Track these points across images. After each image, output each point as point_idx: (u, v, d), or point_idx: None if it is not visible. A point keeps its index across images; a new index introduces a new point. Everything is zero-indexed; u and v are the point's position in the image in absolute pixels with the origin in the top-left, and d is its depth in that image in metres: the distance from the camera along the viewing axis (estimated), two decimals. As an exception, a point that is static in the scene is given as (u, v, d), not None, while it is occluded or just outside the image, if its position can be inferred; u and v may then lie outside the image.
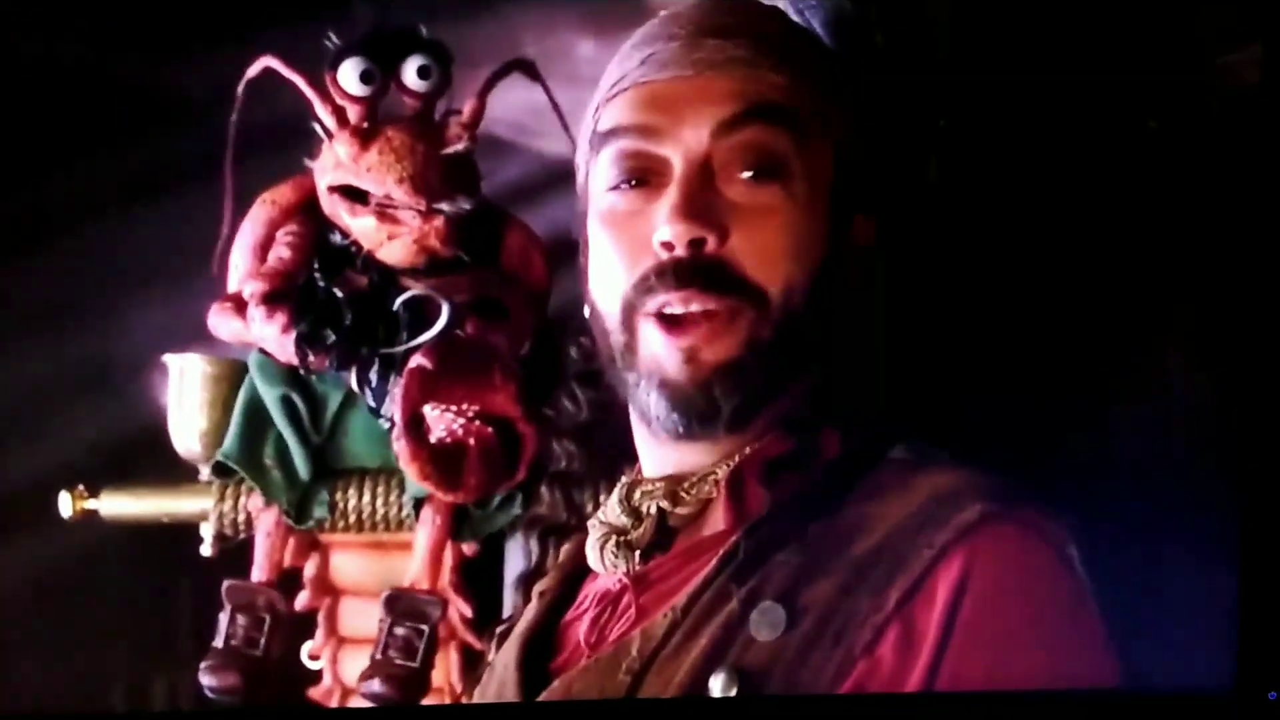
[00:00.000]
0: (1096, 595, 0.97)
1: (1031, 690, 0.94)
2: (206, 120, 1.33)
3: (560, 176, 1.30)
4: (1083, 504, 1.02)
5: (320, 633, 1.40)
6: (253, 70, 1.30)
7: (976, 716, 0.95)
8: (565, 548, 1.18)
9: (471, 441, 1.28)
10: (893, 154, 1.14)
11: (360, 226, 1.31)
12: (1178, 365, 1.23)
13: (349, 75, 1.28)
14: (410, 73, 1.30)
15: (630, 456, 1.15)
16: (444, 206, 1.29)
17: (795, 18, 1.16)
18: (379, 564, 1.38)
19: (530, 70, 1.34)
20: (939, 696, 0.93)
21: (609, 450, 1.18)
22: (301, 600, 1.38)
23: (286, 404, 1.35)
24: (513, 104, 1.35)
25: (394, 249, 1.31)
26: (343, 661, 1.39)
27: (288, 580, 1.38)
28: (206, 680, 1.32)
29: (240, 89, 1.30)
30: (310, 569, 1.39)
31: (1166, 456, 1.21)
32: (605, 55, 1.13)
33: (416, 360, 1.25)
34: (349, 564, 1.39)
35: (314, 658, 1.39)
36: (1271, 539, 1.13)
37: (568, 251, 1.19)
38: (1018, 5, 1.25)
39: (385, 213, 1.30)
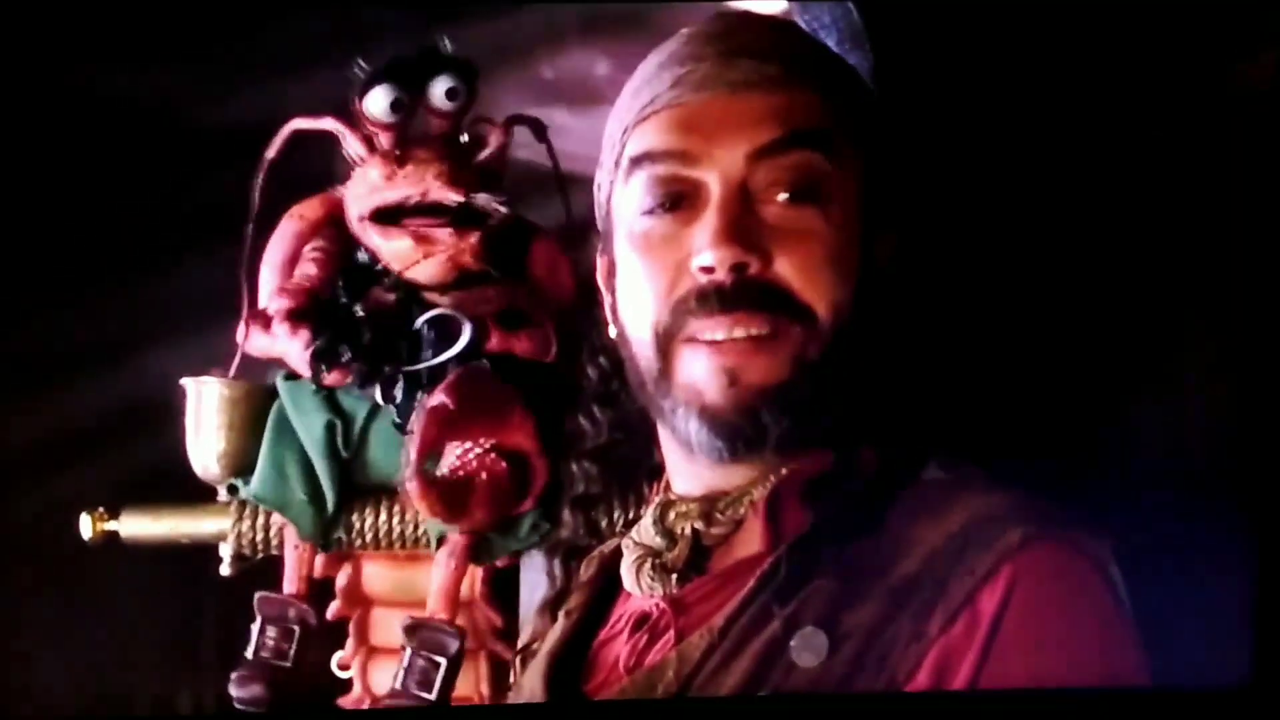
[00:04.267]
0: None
1: (1049, 687, 0.94)
2: (231, 153, 1.33)
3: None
4: (1101, 501, 1.03)
5: (351, 642, 1.41)
6: (280, 138, 1.31)
7: (1000, 713, 0.95)
8: (587, 564, 1.18)
9: (483, 475, 1.28)
10: (911, 171, 1.14)
11: (394, 249, 1.31)
12: (1195, 368, 1.24)
13: (378, 103, 1.28)
14: (438, 94, 1.30)
15: (651, 473, 1.15)
16: (479, 200, 1.30)
17: (809, 37, 1.16)
18: (410, 574, 1.38)
19: (538, 130, 1.34)
20: (958, 695, 0.93)
21: (630, 470, 1.19)
22: (333, 609, 1.39)
23: (329, 430, 1.35)
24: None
25: (427, 267, 1.31)
26: (372, 671, 1.40)
27: (320, 591, 1.39)
28: (234, 691, 1.33)
29: (275, 149, 1.31)
30: (342, 579, 1.40)
31: (1184, 456, 1.23)
32: (620, 75, 1.12)
33: (438, 398, 1.25)
34: (380, 574, 1.40)
35: (344, 667, 1.40)
36: (1288, 536, 1.15)
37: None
38: (1031, 13, 1.25)
39: (420, 233, 1.30)
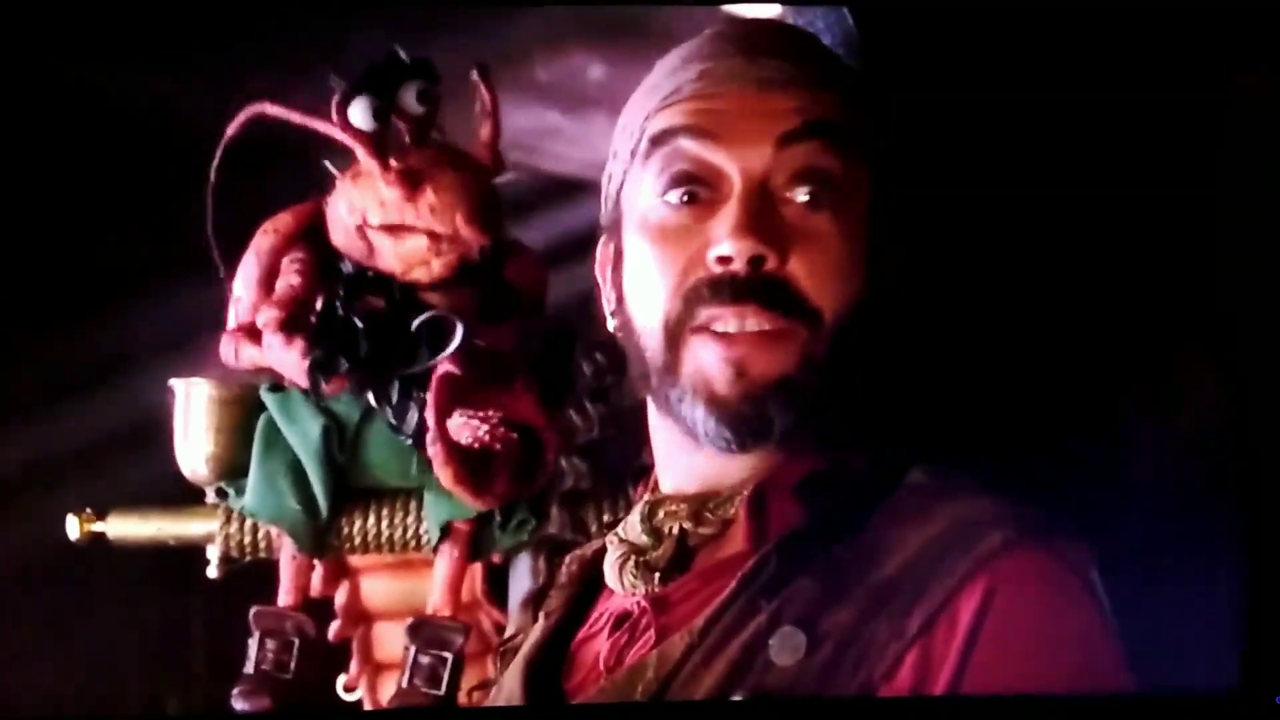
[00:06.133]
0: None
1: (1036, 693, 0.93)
2: (226, 163, 1.33)
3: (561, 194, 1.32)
4: (1090, 506, 1.03)
5: (355, 662, 1.40)
6: (241, 118, 1.30)
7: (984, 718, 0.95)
8: (569, 564, 1.17)
9: (498, 447, 1.28)
10: (919, 180, 1.14)
11: (406, 249, 1.30)
12: (1186, 375, 1.24)
13: (363, 114, 1.28)
14: (410, 99, 1.31)
15: (638, 475, 1.15)
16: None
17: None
18: (409, 585, 1.38)
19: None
20: (942, 700, 0.93)
21: (619, 467, 1.19)
22: (334, 630, 1.38)
23: (326, 435, 1.34)
24: (520, 126, 1.36)
25: (433, 266, 1.31)
26: (381, 688, 1.39)
27: (317, 605, 1.38)
28: (239, 705, 1.32)
29: (235, 127, 1.31)
30: (341, 597, 1.39)
31: (1174, 463, 1.22)
32: (615, 78, 1.12)
33: (444, 367, 1.25)
34: (379, 588, 1.40)
35: (350, 689, 1.39)
36: (1278, 541, 1.15)
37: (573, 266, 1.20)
38: (1030, 23, 1.26)
39: (436, 233, 1.30)
